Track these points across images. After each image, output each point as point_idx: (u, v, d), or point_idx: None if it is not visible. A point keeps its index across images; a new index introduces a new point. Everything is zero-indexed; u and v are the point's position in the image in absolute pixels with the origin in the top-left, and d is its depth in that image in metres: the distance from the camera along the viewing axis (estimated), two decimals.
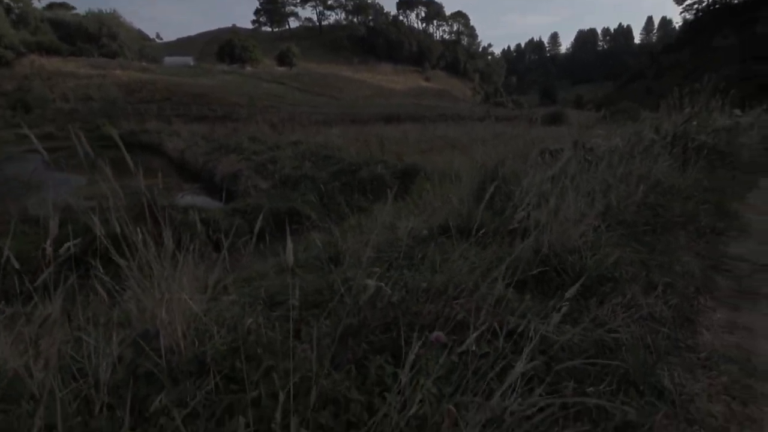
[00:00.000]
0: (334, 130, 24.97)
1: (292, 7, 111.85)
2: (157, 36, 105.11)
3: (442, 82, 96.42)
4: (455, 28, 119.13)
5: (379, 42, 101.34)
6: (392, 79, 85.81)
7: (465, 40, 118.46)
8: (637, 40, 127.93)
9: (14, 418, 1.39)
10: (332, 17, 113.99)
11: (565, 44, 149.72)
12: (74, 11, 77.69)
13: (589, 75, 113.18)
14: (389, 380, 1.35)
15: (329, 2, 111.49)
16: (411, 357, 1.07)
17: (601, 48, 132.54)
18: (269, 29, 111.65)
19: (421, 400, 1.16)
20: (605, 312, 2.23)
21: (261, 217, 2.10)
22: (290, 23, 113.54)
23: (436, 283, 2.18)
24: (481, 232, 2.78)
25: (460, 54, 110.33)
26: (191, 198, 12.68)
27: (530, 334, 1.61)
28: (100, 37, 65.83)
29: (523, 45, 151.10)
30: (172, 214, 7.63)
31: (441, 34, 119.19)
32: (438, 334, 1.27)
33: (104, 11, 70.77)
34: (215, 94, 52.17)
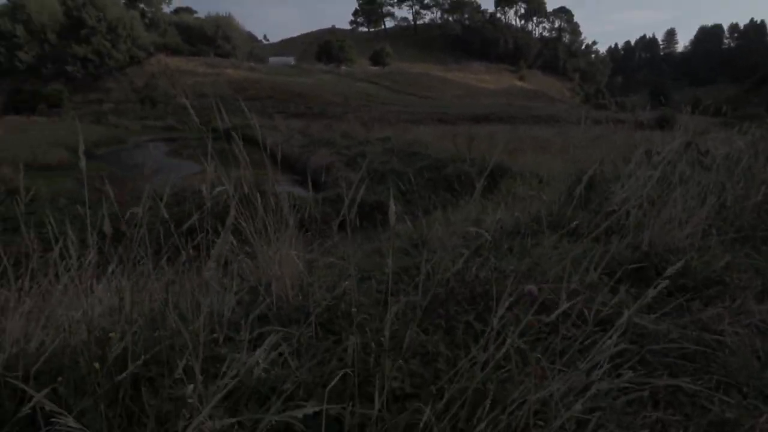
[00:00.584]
0: (422, 129, 25.18)
1: (389, 7, 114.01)
2: (264, 37, 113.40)
3: (537, 81, 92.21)
4: (556, 24, 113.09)
5: (473, 40, 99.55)
6: (484, 79, 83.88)
7: (567, 38, 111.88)
8: None
9: (158, 342, 1.70)
10: (428, 16, 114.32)
11: (683, 42, 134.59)
12: (196, 14, 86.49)
13: (710, 76, 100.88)
14: (477, 338, 1.43)
15: (426, 1, 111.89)
16: (501, 311, 1.14)
17: (726, 46, 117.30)
18: (366, 29, 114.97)
19: (506, 356, 1.23)
20: (710, 315, 2.09)
21: (347, 204, 2.29)
22: (386, 23, 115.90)
23: (523, 267, 2.20)
24: (573, 224, 2.73)
25: (559, 52, 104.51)
26: (289, 187, 13.65)
27: (621, 321, 1.59)
28: (216, 38, 72.56)
29: (633, 42, 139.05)
30: (270, 199, 8.32)
31: (540, 31, 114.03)
32: (531, 287, 1.32)
33: (221, 14, 77.89)
34: (312, 93, 55.17)
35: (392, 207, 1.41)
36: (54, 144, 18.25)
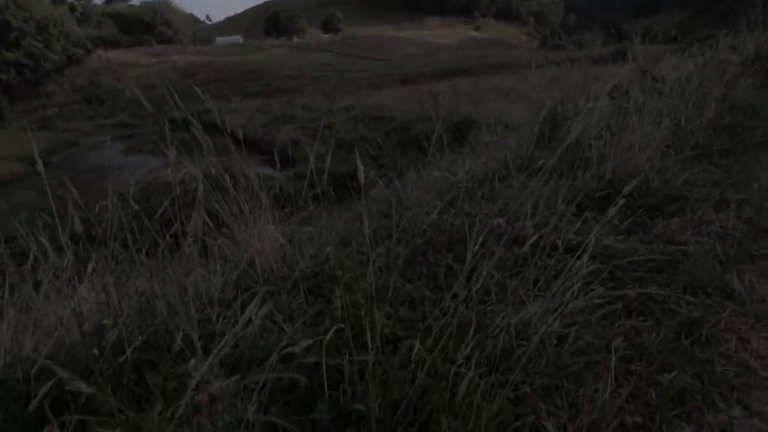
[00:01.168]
0: (385, 92, 24.83)
1: None
2: (207, 18, 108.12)
3: (493, 30, 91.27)
4: None
5: None
6: (440, 33, 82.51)
7: None
8: None
9: (151, 327, 1.72)
10: None
11: None
12: (130, 2, 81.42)
13: (658, 5, 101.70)
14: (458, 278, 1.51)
15: None
16: (472, 246, 1.20)
17: None
18: None
19: (487, 290, 1.31)
20: (673, 228, 2.23)
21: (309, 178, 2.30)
22: None
23: (495, 209, 2.28)
24: (539, 163, 2.81)
25: None
26: (259, 168, 13.40)
27: (590, 243, 1.69)
28: (156, 25, 68.74)
29: None
30: (240, 180, 8.18)
31: None
32: (498, 221, 1.39)
33: (157, 0, 73.49)
34: (266, 69, 53.31)
35: (360, 166, 1.44)
36: (3, 157, 17.30)
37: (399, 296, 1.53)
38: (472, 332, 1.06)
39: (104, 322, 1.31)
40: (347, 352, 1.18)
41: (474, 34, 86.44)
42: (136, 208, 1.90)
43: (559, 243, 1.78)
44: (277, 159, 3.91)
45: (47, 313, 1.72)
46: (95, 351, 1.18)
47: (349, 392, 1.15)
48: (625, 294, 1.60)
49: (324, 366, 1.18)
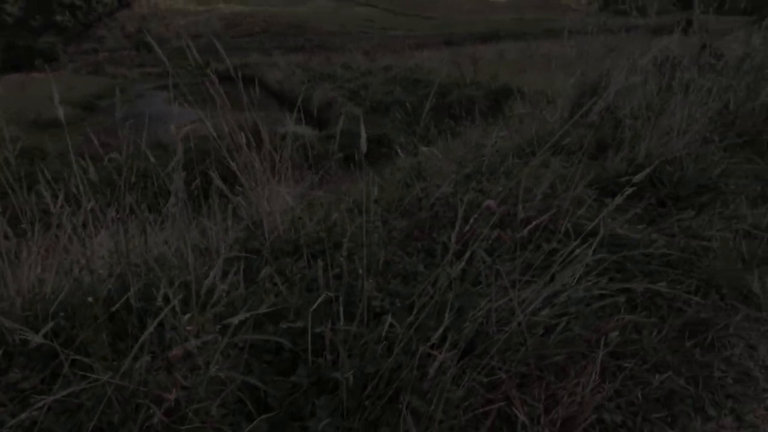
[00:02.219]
0: (427, 53, 24.02)
1: None
2: None
3: None
4: None
5: None
6: None
7: None
8: None
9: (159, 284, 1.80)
10: None
11: None
12: None
13: None
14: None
15: None
16: (458, 227, 1.17)
17: None
18: None
19: (479, 273, 1.29)
20: (699, 222, 2.10)
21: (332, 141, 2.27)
22: None
23: (509, 187, 2.21)
24: (565, 141, 2.69)
25: None
26: (291, 126, 13.45)
27: (601, 231, 1.62)
28: None
29: None
30: (272, 139, 8.25)
31: None
32: (490, 202, 1.34)
33: None
34: (310, 23, 52.49)
35: (363, 135, 1.41)
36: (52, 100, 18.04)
37: (396, 270, 1.54)
38: (447, 312, 1.06)
39: (100, 271, 1.38)
40: (331, 321, 1.20)
41: None
42: (152, 160, 1.96)
43: (565, 228, 1.71)
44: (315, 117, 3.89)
45: (68, 255, 1.84)
46: (90, 299, 1.26)
47: (330, 360, 1.18)
48: (629, 287, 1.54)
49: (309, 332, 1.21)
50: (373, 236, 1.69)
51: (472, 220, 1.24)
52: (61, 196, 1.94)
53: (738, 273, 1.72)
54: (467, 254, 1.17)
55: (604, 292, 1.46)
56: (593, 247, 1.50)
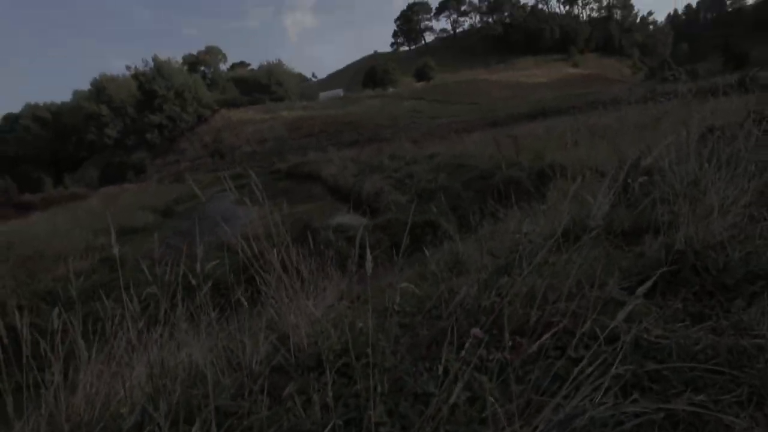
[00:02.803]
0: (473, 137, 24.83)
1: (427, 22, 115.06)
2: (313, 75, 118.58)
3: (592, 65, 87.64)
4: (605, 2, 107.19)
5: (516, 37, 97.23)
6: (534, 73, 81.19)
7: (618, 14, 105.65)
8: None
9: (191, 398, 1.90)
10: (467, 23, 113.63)
11: None
12: (250, 67, 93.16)
13: None
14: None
15: (463, 8, 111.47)
16: (449, 359, 1.17)
17: None
18: (407, 48, 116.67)
19: (472, 397, 1.25)
20: (752, 315, 1.92)
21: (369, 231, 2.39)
22: (426, 38, 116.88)
23: (537, 286, 2.17)
24: (593, 232, 2.64)
25: (612, 30, 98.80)
26: (342, 217, 14.09)
27: (631, 333, 1.53)
28: (270, 85, 77.44)
29: (694, 4, 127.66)
30: (323, 233, 8.66)
31: (588, 12, 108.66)
32: (476, 331, 1.32)
33: (271, 61, 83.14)
34: (363, 120, 56.73)
35: (368, 256, 1.50)
36: (140, 208, 20.41)
37: (408, 389, 1.53)
38: None
39: (122, 411, 1.51)
40: None
41: (571, 71, 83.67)
42: (191, 275, 2.15)
43: (590, 330, 1.63)
44: (365, 208, 4.12)
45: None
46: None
47: None
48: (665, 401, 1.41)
49: None
50: (385, 353, 1.71)
51: (467, 345, 1.24)
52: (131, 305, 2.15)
53: None
54: (464, 378, 1.16)
55: (636, 409, 1.35)
56: (619, 356, 1.43)
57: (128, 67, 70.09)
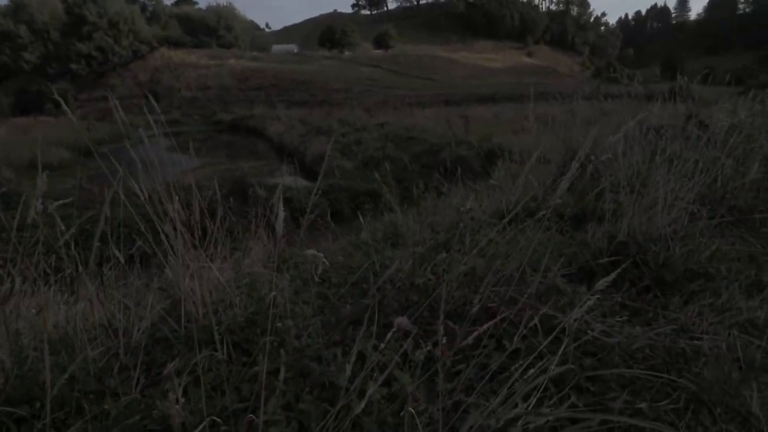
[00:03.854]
0: (426, 112, 24.70)
1: None
2: (266, 25, 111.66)
3: (546, 57, 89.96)
4: None
5: (478, 18, 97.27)
6: (491, 57, 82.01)
7: (575, 10, 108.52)
8: None
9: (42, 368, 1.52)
10: None
11: (696, 9, 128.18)
12: (197, 5, 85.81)
13: (725, 44, 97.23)
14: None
15: None
16: (367, 347, 0.92)
17: (741, 12, 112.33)
18: (368, 12, 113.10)
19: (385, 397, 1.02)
20: (690, 315, 1.84)
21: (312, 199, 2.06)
22: (389, 5, 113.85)
23: (478, 267, 1.97)
24: (542, 213, 2.49)
25: (568, 25, 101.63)
26: (284, 178, 13.47)
27: (567, 331, 1.36)
28: (218, 29, 71.98)
29: (644, 12, 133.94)
30: (258, 192, 8.12)
31: (548, 5, 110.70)
32: (400, 320, 1.09)
33: (222, 5, 77.04)
34: (316, 80, 54.56)
35: (281, 214, 1.19)
36: (56, 144, 18.27)
37: (314, 380, 1.26)
38: None
39: None
40: None
41: (526, 60, 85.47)
42: (62, 229, 1.73)
43: (529, 323, 1.45)
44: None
45: None
46: None
47: None
48: (605, 407, 1.26)
49: None
50: (293, 331, 1.43)
51: (389, 336, 0.99)
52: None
53: (733, 387, 1.44)
54: (381, 374, 0.91)
55: (572, 414, 1.18)
56: (559, 353, 1.25)
57: None
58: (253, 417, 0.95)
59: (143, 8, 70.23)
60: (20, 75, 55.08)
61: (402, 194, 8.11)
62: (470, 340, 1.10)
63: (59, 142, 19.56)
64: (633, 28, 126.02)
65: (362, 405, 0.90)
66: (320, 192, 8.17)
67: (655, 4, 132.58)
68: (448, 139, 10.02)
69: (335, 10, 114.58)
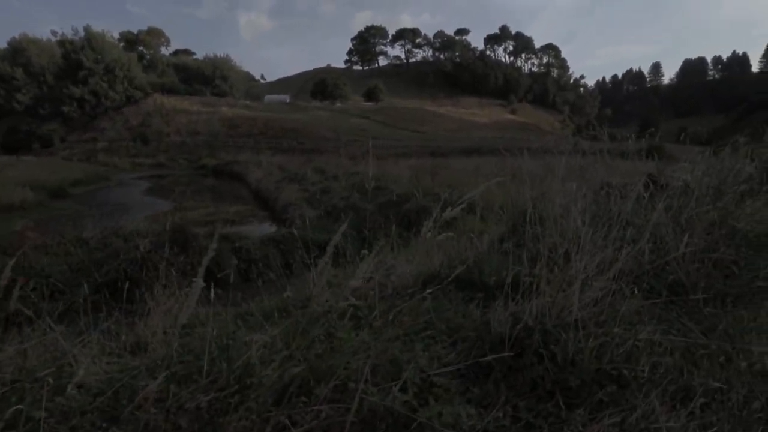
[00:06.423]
0: (410, 162, 24.83)
1: (382, 47, 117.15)
2: (262, 77, 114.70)
3: (528, 115, 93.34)
4: (545, 60, 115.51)
5: (464, 76, 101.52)
6: (476, 113, 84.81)
7: (555, 72, 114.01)
8: (755, 68, 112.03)
9: None
10: (419, 55, 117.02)
11: (669, 74, 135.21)
12: (194, 56, 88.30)
13: (696, 107, 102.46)
14: None
15: (417, 41, 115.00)
16: None
17: (711, 77, 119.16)
18: (360, 68, 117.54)
19: None
20: None
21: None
22: (379, 61, 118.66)
23: (336, 364, 1.55)
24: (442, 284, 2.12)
25: (549, 86, 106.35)
26: (253, 226, 13.03)
27: None
28: (214, 78, 73.70)
29: (620, 76, 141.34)
30: (203, 243, 7.65)
31: (530, 67, 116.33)
32: None
33: (219, 56, 79.35)
34: (306, 128, 55.39)
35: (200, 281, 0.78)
36: (23, 183, 17.71)
37: None
38: None
39: None
40: None
41: (509, 116, 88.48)
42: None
43: None
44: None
45: None
46: None
47: None
48: None
49: None
50: None
51: None
52: None
53: None
54: None
55: None
56: None
57: (54, 33, 63.65)
58: None
59: (141, 57, 72.04)
60: (12, 115, 55.14)
61: (359, 245, 7.72)
62: None
63: (31, 182, 19.03)
64: (610, 89, 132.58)
65: None
66: (274, 242, 7.74)
67: (631, 69, 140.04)
68: (412, 190, 9.81)
69: (329, 65, 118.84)
